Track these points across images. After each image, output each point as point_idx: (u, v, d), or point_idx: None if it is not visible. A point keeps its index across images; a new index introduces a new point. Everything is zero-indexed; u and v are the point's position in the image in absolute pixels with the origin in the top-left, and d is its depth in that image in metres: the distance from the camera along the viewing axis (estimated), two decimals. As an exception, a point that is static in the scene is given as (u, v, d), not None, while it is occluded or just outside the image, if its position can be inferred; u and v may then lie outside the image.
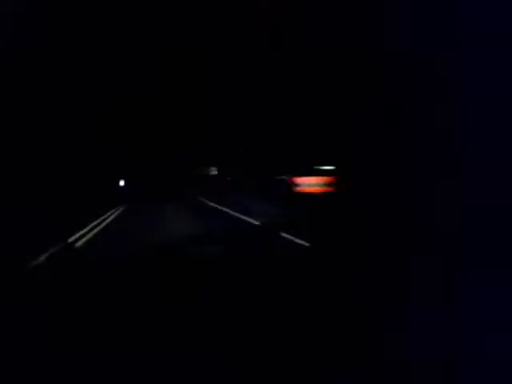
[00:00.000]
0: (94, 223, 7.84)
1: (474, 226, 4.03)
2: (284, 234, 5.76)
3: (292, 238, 5.45)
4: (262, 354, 2.08)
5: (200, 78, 25.43)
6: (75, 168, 19.40)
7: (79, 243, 5.61)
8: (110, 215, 9.67)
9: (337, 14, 12.11)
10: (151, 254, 4.67)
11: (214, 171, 35.06)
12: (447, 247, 3.91)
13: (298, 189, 13.05)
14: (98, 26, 18.67)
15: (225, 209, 10.59)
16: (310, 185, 13.05)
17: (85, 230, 6.82)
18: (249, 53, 19.59)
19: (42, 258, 4.48)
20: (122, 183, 27.05)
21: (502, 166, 4.40)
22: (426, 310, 2.51)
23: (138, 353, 2.14)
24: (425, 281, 3.07)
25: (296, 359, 2.04)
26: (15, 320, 2.66)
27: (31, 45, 12.89)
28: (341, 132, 13.87)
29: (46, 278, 3.79)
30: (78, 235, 6.29)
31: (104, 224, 7.86)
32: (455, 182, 5.09)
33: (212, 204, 12.60)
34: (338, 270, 3.81)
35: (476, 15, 4.57)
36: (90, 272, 4.01)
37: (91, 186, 20.10)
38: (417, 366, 1.92)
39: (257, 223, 7.30)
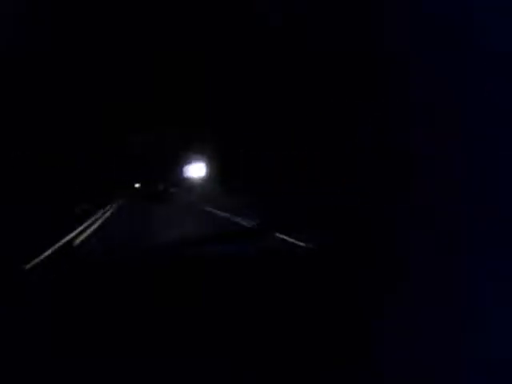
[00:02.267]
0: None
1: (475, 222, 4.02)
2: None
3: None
4: (262, 354, 2.08)
5: (200, 78, 25.39)
6: (75, 168, 19.38)
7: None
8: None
9: (337, 13, 12.09)
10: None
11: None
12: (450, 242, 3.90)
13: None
14: (98, 26, 18.63)
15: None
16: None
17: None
18: (249, 53, 19.57)
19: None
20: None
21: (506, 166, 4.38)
22: (427, 310, 2.51)
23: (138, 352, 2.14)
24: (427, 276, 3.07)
25: (295, 359, 2.03)
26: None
27: (31, 45, 12.87)
28: (340, 132, 13.85)
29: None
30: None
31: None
32: (454, 178, 5.08)
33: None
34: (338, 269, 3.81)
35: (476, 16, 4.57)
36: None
37: (90, 186, 20.06)
38: (416, 367, 1.92)
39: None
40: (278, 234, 6.63)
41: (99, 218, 11.40)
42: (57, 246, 6.19)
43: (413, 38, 8.17)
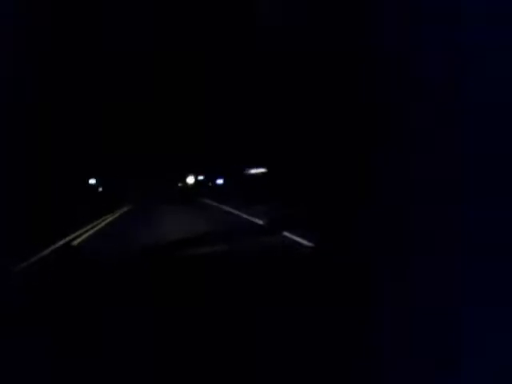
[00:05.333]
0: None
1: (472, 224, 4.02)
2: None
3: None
4: (263, 353, 2.09)
5: (200, 78, 25.42)
6: (75, 168, 19.40)
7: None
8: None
9: (337, 14, 12.11)
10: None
11: None
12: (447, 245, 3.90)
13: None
14: (98, 26, 18.68)
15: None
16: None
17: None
18: (249, 53, 19.60)
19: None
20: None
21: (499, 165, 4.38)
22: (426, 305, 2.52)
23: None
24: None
25: (296, 358, 2.04)
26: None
27: (32, 45, 12.88)
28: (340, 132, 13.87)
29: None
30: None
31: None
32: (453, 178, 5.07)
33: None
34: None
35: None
36: None
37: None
38: (416, 366, 1.93)
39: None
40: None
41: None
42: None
43: (413, 38, 8.17)
